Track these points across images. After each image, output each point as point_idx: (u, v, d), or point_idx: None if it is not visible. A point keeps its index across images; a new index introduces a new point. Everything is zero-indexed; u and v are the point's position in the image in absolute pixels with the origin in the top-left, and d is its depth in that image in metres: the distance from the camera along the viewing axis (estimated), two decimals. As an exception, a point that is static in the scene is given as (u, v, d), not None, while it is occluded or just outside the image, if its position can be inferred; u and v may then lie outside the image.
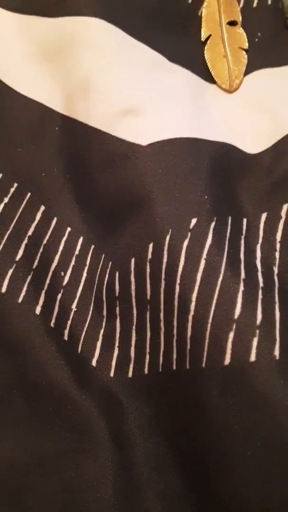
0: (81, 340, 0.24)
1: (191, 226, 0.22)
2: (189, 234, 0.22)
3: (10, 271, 0.23)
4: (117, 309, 0.24)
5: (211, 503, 0.20)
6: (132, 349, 0.23)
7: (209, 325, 0.20)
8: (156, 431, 0.22)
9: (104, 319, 0.24)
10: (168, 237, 0.22)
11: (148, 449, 0.22)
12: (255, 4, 0.31)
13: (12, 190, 0.26)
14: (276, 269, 0.23)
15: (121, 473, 0.21)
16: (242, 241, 0.23)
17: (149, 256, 0.22)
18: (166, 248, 0.22)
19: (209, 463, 0.20)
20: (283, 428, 0.18)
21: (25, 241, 0.25)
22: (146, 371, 0.23)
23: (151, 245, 0.22)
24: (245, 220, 0.24)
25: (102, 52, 0.26)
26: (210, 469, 0.20)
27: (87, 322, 0.24)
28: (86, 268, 0.25)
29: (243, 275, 0.21)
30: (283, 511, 0.18)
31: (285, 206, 0.24)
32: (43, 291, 0.24)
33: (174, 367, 0.22)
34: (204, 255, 0.21)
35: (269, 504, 0.18)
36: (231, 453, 0.19)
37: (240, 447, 0.19)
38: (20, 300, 0.23)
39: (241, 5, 0.31)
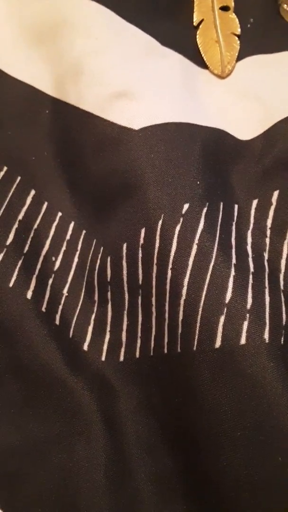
0: (73, 325, 0.24)
1: (183, 211, 0.22)
2: (181, 219, 0.22)
3: (1, 256, 0.23)
4: (109, 294, 0.24)
5: (201, 483, 0.20)
6: (124, 333, 0.24)
7: (200, 309, 0.20)
8: (148, 414, 0.22)
9: (96, 304, 0.24)
10: (160, 222, 0.22)
11: (139, 431, 0.22)
12: (247, -11, 0.30)
13: (1, 173, 0.26)
14: (266, 255, 0.23)
15: (112, 455, 0.22)
16: (234, 227, 0.23)
17: (141, 241, 0.22)
18: (158, 233, 0.22)
19: (199, 445, 0.20)
20: (272, 409, 0.19)
21: (16, 226, 0.24)
22: (137, 355, 0.23)
23: (143, 230, 0.22)
24: (236, 206, 0.24)
25: (94, 35, 0.26)
26: (200, 450, 0.20)
27: (79, 307, 0.24)
28: (78, 253, 0.25)
29: (234, 260, 0.21)
30: (272, 491, 0.18)
31: (275, 193, 0.24)
32: (34, 276, 0.24)
33: (166, 351, 0.22)
34: (196, 240, 0.21)
35: (258, 485, 0.19)
36: (221, 434, 0.20)
37: (230, 428, 0.19)
38: (11, 285, 0.23)
39: (234, -11, 0.31)
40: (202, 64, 0.28)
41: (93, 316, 0.24)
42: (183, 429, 0.21)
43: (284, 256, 0.23)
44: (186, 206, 0.22)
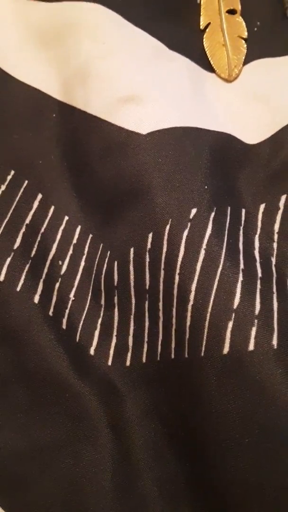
0: (79, 329, 0.24)
1: (191, 216, 0.22)
2: (189, 224, 0.22)
3: (8, 260, 0.23)
4: (115, 298, 0.24)
5: (207, 488, 0.20)
6: (130, 338, 0.23)
7: (208, 315, 0.20)
8: (154, 419, 0.22)
9: (102, 308, 0.24)
10: (168, 227, 0.22)
11: (146, 436, 0.22)
12: (254, -7, 0.30)
13: (9, 177, 0.26)
14: (274, 260, 0.23)
15: (119, 460, 0.22)
16: (241, 232, 0.23)
17: (149, 246, 0.22)
18: (166, 238, 0.22)
19: (206, 450, 0.20)
20: (281, 416, 0.19)
21: (23, 230, 0.24)
22: (144, 359, 0.23)
23: (150, 235, 0.22)
24: (244, 210, 0.24)
25: (101, 38, 0.26)
26: (207, 456, 0.20)
27: (85, 311, 0.24)
28: (84, 257, 0.25)
29: (242, 266, 0.21)
30: (281, 497, 0.18)
31: (283, 197, 0.24)
32: (41, 280, 0.24)
33: (173, 356, 0.22)
34: (204, 245, 0.21)
35: (266, 490, 0.19)
36: (229, 441, 0.20)
37: (238, 434, 0.19)
38: (18, 289, 0.23)
39: (241, -7, 0.31)
40: (209, 67, 0.28)
41: (99, 321, 0.24)
42: (190, 434, 0.21)
43: None
44: (193, 211, 0.22)
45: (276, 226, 0.24)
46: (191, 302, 0.21)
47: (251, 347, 0.20)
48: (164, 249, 0.22)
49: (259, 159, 0.25)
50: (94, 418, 0.22)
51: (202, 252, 0.21)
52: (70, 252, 0.25)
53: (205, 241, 0.21)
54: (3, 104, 0.27)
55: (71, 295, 0.24)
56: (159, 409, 0.22)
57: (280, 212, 0.24)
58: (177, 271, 0.21)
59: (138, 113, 0.24)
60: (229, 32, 0.29)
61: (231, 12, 0.30)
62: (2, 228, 0.24)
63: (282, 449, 0.19)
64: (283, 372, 0.19)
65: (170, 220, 0.22)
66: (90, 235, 0.25)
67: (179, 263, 0.21)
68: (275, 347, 0.20)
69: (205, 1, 0.30)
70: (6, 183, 0.25)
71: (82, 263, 0.25)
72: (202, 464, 0.21)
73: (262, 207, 0.24)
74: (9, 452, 0.22)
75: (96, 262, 0.25)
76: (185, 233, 0.22)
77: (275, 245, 0.23)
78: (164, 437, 0.22)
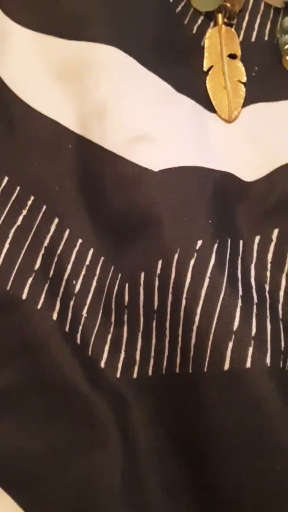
0: (91, 344, 0.26)
1: (197, 247, 0.25)
2: (195, 254, 0.25)
3: (30, 280, 0.26)
4: (125, 316, 0.27)
5: (208, 489, 0.23)
6: (138, 353, 0.26)
7: (211, 335, 0.23)
8: (159, 426, 0.25)
9: (112, 325, 0.27)
10: (176, 256, 0.25)
11: (151, 442, 0.25)
12: (253, 39, 0.33)
13: (29, 202, 0.28)
14: (267, 287, 0.26)
15: (127, 462, 0.24)
16: (239, 261, 0.26)
17: (158, 271, 0.25)
18: (174, 265, 0.25)
19: (206, 455, 0.23)
20: (273, 425, 0.22)
21: (42, 252, 0.27)
22: (150, 373, 0.26)
23: (160, 262, 0.25)
24: (241, 241, 0.27)
25: (118, 81, 0.28)
26: (207, 460, 0.23)
27: (96, 327, 0.27)
28: (96, 277, 0.28)
29: (240, 292, 0.24)
30: (272, 497, 0.21)
31: (275, 231, 0.27)
32: (59, 298, 0.26)
33: (178, 370, 0.24)
34: (208, 274, 0.24)
35: (259, 491, 0.21)
36: (227, 446, 0.22)
37: (235, 440, 0.22)
38: (39, 307, 0.25)
39: (241, 38, 0.34)
40: (211, 108, 0.31)
41: (109, 336, 0.27)
42: (192, 441, 0.24)
43: (283, 287, 0.26)
44: (199, 242, 0.25)
45: (269, 256, 0.27)
46: (196, 324, 0.24)
47: (248, 364, 0.22)
48: (173, 275, 0.25)
49: (255, 196, 0.28)
50: (106, 425, 0.24)
51: (207, 280, 0.24)
52: (83, 272, 0.28)
53: (209, 269, 0.24)
54: (24, 134, 0.30)
55: (84, 312, 0.27)
56: (164, 417, 0.25)
57: (273, 243, 0.27)
58: (184, 295, 0.24)
59: (150, 152, 0.27)
60: (229, 76, 0.32)
61: (232, 56, 0.33)
62: (24, 249, 0.26)
63: (274, 453, 0.22)
64: (275, 387, 0.22)
65: (179, 249, 0.25)
66: (102, 258, 0.28)
67: (186, 288, 0.24)
68: (269, 365, 0.23)
69: (209, 44, 0.33)
70: (27, 208, 0.28)
71: (94, 283, 0.28)
72: (202, 467, 0.24)
73: (257, 238, 0.27)
74: (27, 453, 0.24)
75: (107, 283, 0.27)
76: (192, 262, 0.24)
77: (268, 273, 0.26)
78: (168, 442, 0.25)
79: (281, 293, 0.26)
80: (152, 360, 0.26)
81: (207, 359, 0.23)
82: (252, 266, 0.26)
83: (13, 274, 0.26)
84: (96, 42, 0.30)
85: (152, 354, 0.26)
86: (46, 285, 0.26)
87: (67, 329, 0.26)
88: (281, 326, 0.24)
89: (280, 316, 0.25)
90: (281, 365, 0.23)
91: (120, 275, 0.27)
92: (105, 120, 0.28)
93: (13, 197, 0.28)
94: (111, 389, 0.25)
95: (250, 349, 0.23)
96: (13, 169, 0.29)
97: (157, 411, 0.25)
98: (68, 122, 0.30)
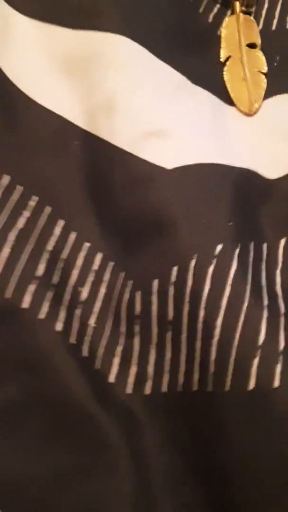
0: (99, 356, 0.24)
1: (216, 253, 0.22)
2: (214, 260, 0.22)
3: (32, 287, 0.24)
4: (137, 327, 0.24)
5: None
6: (150, 367, 0.24)
7: (234, 351, 0.21)
8: (174, 448, 0.23)
9: (123, 336, 0.25)
10: (193, 262, 0.22)
11: (165, 466, 0.22)
12: (274, 27, 0.31)
13: (32, 203, 0.26)
14: None
15: (140, 489, 0.22)
16: (263, 267, 0.23)
17: (173, 279, 0.23)
18: (191, 272, 0.22)
19: (229, 483, 0.21)
20: None
21: (46, 257, 0.25)
22: (164, 389, 0.23)
23: (175, 268, 0.23)
24: (265, 245, 0.24)
25: (127, 72, 0.26)
26: (230, 488, 0.21)
27: (106, 338, 0.25)
28: (105, 284, 0.25)
29: (266, 302, 0.22)
30: None
31: None
32: (64, 307, 0.24)
33: (195, 388, 0.22)
34: (230, 282, 0.22)
35: None
36: (253, 473, 0.20)
37: (263, 467, 0.20)
38: (41, 317, 0.23)
39: (260, 27, 0.31)
40: (229, 101, 0.29)
41: (119, 348, 0.24)
42: (210, 465, 0.22)
43: None
44: (219, 247, 0.23)
45: None
46: (216, 337, 0.21)
47: (276, 383, 0.20)
48: (189, 283, 0.22)
49: (279, 194, 0.26)
50: (115, 447, 0.22)
51: (228, 288, 0.22)
52: (91, 278, 0.25)
53: (231, 277, 0.22)
54: (27, 130, 0.27)
55: (92, 321, 0.25)
56: (179, 438, 0.23)
57: None
58: (202, 305, 0.22)
59: (163, 148, 0.25)
60: (249, 66, 0.30)
61: (251, 46, 0.31)
62: (27, 256, 0.24)
63: None
64: None
65: (196, 255, 0.22)
66: (111, 263, 0.26)
67: (204, 298, 0.22)
68: None
69: (226, 33, 0.31)
70: (31, 209, 0.25)
71: (103, 290, 0.25)
72: (224, 495, 0.21)
73: (282, 241, 0.25)
74: (29, 477, 0.22)
75: (117, 290, 0.25)
76: (211, 268, 0.22)
77: None
78: (184, 466, 0.22)
79: None
80: (166, 376, 0.23)
81: (229, 377, 0.21)
82: (278, 272, 0.24)
83: (13, 281, 0.23)
84: (105, 31, 0.27)
85: (167, 368, 0.23)
86: (50, 293, 0.24)
87: (72, 340, 0.23)
88: None
89: None
90: None
91: (131, 282, 0.25)
92: (114, 114, 0.26)
93: (15, 198, 0.26)
94: (121, 406, 0.23)
95: (278, 366, 0.20)
96: (15, 168, 0.26)
97: (172, 431, 0.23)
98: (74, 117, 0.28)
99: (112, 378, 0.24)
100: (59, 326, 0.23)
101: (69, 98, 0.28)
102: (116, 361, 0.24)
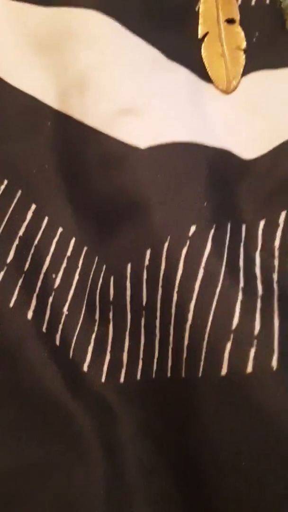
0: (73, 345, 0.23)
1: (190, 234, 0.22)
2: (188, 242, 0.21)
3: (1, 274, 0.23)
4: (111, 313, 0.24)
5: (201, 509, 0.20)
6: (125, 354, 0.23)
7: (206, 335, 0.20)
8: (148, 437, 0.22)
9: (97, 323, 0.24)
10: (166, 244, 0.22)
11: (139, 455, 0.22)
12: (253, 3, 0.30)
13: (2, 187, 0.25)
14: (275, 276, 0.22)
15: (112, 479, 0.21)
16: (242, 248, 0.23)
17: (147, 262, 0.22)
18: (164, 255, 0.22)
19: (202, 471, 0.20)
20: (280, 438, 0.19)
21: (16, 242, 0.24)
22: (138, 377, 0.23)
23: (148, 251, 0.22)
24: (244, 226, 0.23)
25: (100, 48, 0.25)
26: (203, 477, 0.20)
27: (79, 326, 0.24)
28: (78, 270, 0.25)
29: (242, 284, 0.21)
30: None
31: (283, 213, 0.24)
32: (35, 295, 0.23)
33: (169, 375, 0.21)
34: (203, 264, 0.21)
35: (267, 507, 0.18)
36: (225, 463, 0.19)
37: (235, 457, 0.19)
38: (11, 305, 0.22)
39: (239, 2, 0.30)
40: (207, 78, 0.28)
41: (93, 336, 0.24)
42: (184, 453, 0.21)
43: None
44: (193, 228, 0.22)
45: (277, 243, 0.23)
46: (189, 322, 0.20)
47: (249, 369, 0.19)
48: (163, 267, 0.22)
49: (257, 175, 0.25)
50: (88, 438, 0.21)
51: (201, 270, 0.21)
52: (64, 265, 0.25)
53: (204, 259, 0.21)
54: None
55: (65, 309, 0.24)
56: (153, 427, 0.22)
57: (280, 228, 0.24)
58: (176, 289, 0.21)
59: (137, 126, 0.24)
60: (227, 42, 0.29)
61: (230, 21, 0.29)
62: None
63: (282, 470, 0.19)
64: (282, 394, 0.19)
65: (169, 237, 0.22)
66: (85, 248, 0.25)
67: (177, 281, 0.21)
68: (275, 368, 0.19)
69: (204, 9, 0.30)
70: (0, 193, 0.25)
71: (76, 277, 0.24)
72: (197, 484, 0.21)
73: (262, 223, 0.24)
74: (3, 470, 0.21)
75: (91, 276, 0.24)
76: (184, 251, 0.21)
77: (276, 261, 0.23)
78: (158, 455, 0.22)
79: None
80: (140, 363, 0.23)
81: (201, 363, 0.20)
82: (257, 253, 0.23)
83: None
84: (77, 6, 0.26)
85: (141, 355, 0.23)
86: (20, 280, 0.23)
87: (44, 329, 0.23)
88: None
89: None
90: None
91: (104, 267, 0.24)
92: (86, 92, 0.25)
93: None
94: (95, 396, 0.22)
95: (252, 350, 0.20)
96: None
97: (146, 420, 0.22)
98: (46, 97, 0.27)
99: (85, 367, 0.23)
100: (29, 314, 0.23)
101: (41, 78, 0.27)
102: (90, 349, 0.24)
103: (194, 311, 0.20)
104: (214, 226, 0.22)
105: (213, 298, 0.20)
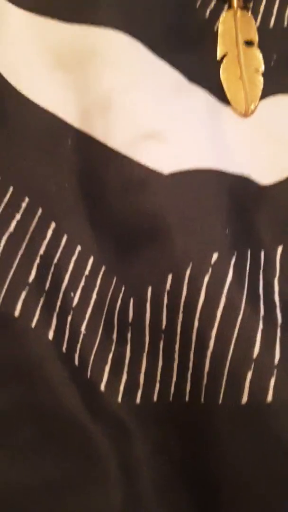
0: (90, 364, 0.24)
1: (212, 261, 0.22)
2: (210, 269, 0.22)
3: (23, 294, 0.23)
4: (129, 334, 0.24)
5: None
6: (142, 375, 0.24)
7: (227, 363, 0.20)
8: (164, 459, 0.22)
9: (114, 343, 0.24)
10: (188, 270, 0.22)
11: (156, 477, 0.22)
12: (271, 25, 0.30)
13: (23, 204, 0.25)
14: None
15: (129, 499, 0.22)
16: (261, 275, 0.23)
17: (168, 287, 0.22)
18: (186, 281, 0.22)
19: (218, 495, 0.21)
20: None
21: (37, 261, 0.24)
22: (155, 399, 0.23)
23: (170, 276, 0.22)
24: (263, 252, 0.24)
25: (124, 70, 0.25)
26: (218, 500, 0.21)
27: (96, 345, 0.24)
28: (96, 289, 0.25)
29: (262, 312, 0.22)
30: None
31: None
32: (55, 314, 0.24)
33: (187, 399, 0.22)
34: (225, 292, 0.21)
35: None
36: (242, 488, 0.20)
37: (252, 483, 0.20)
38: (33, 325, 0.23)
39: (257, 24, 0.31)
40: (225, 100, 0.28)
41: (110, 355, 0.24)
42: (200, 477, 0.22)
43: None
44: (215, 255, 0.22)
45: None
46: (210, 349, 0.21)
47: (269, 398, 0.20)
48: (184, 293, 0.22)
49: (275, 201, 0.25)
50: (105, 459, 0.22)
51: (223, 299, 0.21)
52: (82, 283, 0.25)
53: (226, 287, 0.22)
54: (19, 128, 0.26)
55: (83, 328, 0.24)
56: (169, 449, 0.22)
57: None
58: (197, 316, 0.21)
59: (159, 151, 0.24)
60: (246, 64, 0.29)
61: (249, 43, 0.30)
62: (17, 260, 0.24)
63: None
64: None
65: (191, 263, 0.22)
66: (103, 267, 0.25)
67: (199, 308, 0.21)
68: None
69: (223, 29, 0.30)
70: (21, 211, 0.25)
71: (94, 296, 0.25)
72: (213, 507, 0.21)
73: (280, 248, 0.24)
74: (18, 487, 0.22)
75: (109, 296, 0.25)
76: (206, 278, 0.22)
77: None
78: (173, 477, 0.22)
79: None
80: (157, 385, 0.23)
81: (222, 390, 0.20)
82: (276, 280, 0.23)
83: (4, 288, 0.23)
84: (101, 26, 0.26)
85: (158, 378, 0.23)
86: (42, 300, 0.23)
87: (64, 349, 0.23)
88: None
89: None
90: None
91: (124, 287, 0.24)
92: (109, 114, 0.25)
93: (5, 199, 0.25)
94: (112, 416, 0.23)
95: (272, 380, 0.20)
96: (5, 167, 0.26)
97: (162, 442, 0.23)
98: (68, 116, 0.27)
99: (102, 386, 0.24)
100: (51, 334, 0.23)
101: (62, 95, 0.27)
102: (107, 368, 0.24)
103: (215, 338, 0.21)
104: (236, 253, 0.23)
105: (234, 327, 0.21)
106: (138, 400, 0.23)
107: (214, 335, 0.21)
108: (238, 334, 0.21)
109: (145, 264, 0.24)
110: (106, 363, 0.24)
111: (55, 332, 0.23)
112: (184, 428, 0.22)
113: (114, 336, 0.24)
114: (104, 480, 0.22)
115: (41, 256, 0.24)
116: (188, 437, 0.22)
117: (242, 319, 0.21)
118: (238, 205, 0.24)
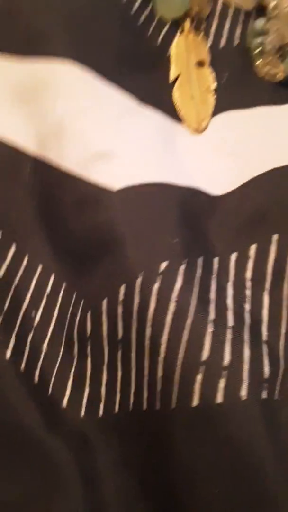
0: (52, 381, 0.24)
1: (160, 270, 0.23)
2: (159, 278, 0.22)
3: None
4: (88, 348, 0.24)
5: None
6: (103, 387, 0.24)
7: (178, 368, 0.21)
8: (126, 468, 0.22)
9: (75, 359, 0.25)
10: (139, 280, 0.23)
11: (118, 485, 0.22)
12: (222, 44, 0.32)
13: None
14: (247, 306, 0.23)
15: (92, 509, 0.22)
16: (213, 281, 0.24)
17: (121, 297, 0.23)
18: (137, 290, 0.22)
19: (179, 501, 0.21)
20: (248, 468, 0.19)
21: None
22: (116, 409, 0.23)
23: (123, 287, 0.23)
24: (216, 259, 0.25)
25: (74, 98, 0.27)
26: (180, 507, 0.21)
27: (58, 362, 0.24)
28: (58, 306, 0.25)
29: (212, 316, 0.22)
30: None
31: (253, 247, 0.25)
32: (14, 334, 0.24)
33: (145, 407, 0.22)
34: (174, 298, 0.22)
35: None
36: (199, 491, 0.20)
37: (208, 485, 0.20)
38: None
39: (209, 44, 0.32)
40: (179, 119, 0.29)
41: (72, 371, 0.24)
42: (161, 484, 0.22)
43: (266, 305, 0.24)
44: (164, 264, 0.23)
45: (249, 274, 0.24)
46: (162, 355, 0.21)
47: (219, 399, 0.20)
48: (136, 301, 0.22)
49: (227, 210, 0.26)
50: (65, 472, 0.22)
51: (172, 304, 0.22)
52: (44, 302, 0.25)
53: (175, 293, 0.22)
54: None
55: (44, 346, 0.25)
56: (131, 460, 0.22)
57: (251, 260, 0.25)
58: (149, 323, 0.22)
59: (109, 170, 0.25)
60: (198, 84, 0.30)
61: (200, 63, 0.31)
62: None
63: (251, 497, 0.19)
64: (251, 423, 0.20)
65: (142, 272, 0.23)
66: (64, 284, 0.26)
67: (150, 316, 0.22)
68: (243, 398, 0.20)
69: (175, 53, 0.31)
70: None
71: (56, 313, 0.25)
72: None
73: (233, 256, 0.25)
74: None
75: (70, 312, 0.25)
76: (156, 286, 0.22)
77: (248, 291, 0.24)
78: (136, 487, 0.22)
79: (265, 312, 0.24)
80: (118, 395, 0.23)
81: (174, 394, 0.21)
82: (229, 284, 0.24)
83: None
84: (52, 56, 0.28)
85: (119, 388, 0.23)
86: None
87: (22, 368, 0.23)
88: (265, 350, 0.22)
89: (265, 338, 0.23)
90: (264, 396, 0.21)
91: (82, 302, 0.25)
92: (62, 139, 0.26)
93: None
94: (74, 431, 0.23)
95: (222, 381, 0.20)
96: None
97: (123, 453, 0.23)
98: (25, 145, 0.28)
99: (65, 402, 0.24)
100: (8, 354, 0.23)
101: (20, 127, 0.28)
102: (69, 384, 0.24)
103: (166, 344, 0.21)
104: (186, 261, 0.23)
105: (183, 332, 0.21)
106: (100, 413, 0.23)
107: (165, 341, 0.21)
108: (187, 338, 0.21)
109: (101, 277, 0.24)
110: (68, 378, 0.24)
111: (13, 351, 0.23)
112: (144, 436, 0.22)
113: (75, 351, 0.25)
114: (65, 490, 0.22)
115: (0, 279, 0.25)
116: (147, 444, 0.22)
117: (191, 324, 0.21)
118: (189, 215, 0.25)
